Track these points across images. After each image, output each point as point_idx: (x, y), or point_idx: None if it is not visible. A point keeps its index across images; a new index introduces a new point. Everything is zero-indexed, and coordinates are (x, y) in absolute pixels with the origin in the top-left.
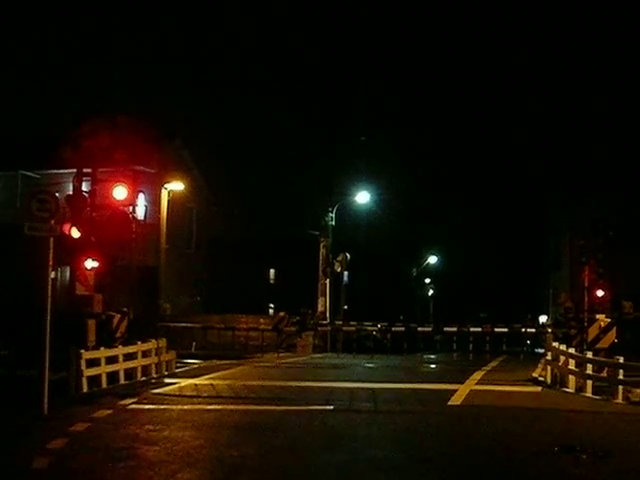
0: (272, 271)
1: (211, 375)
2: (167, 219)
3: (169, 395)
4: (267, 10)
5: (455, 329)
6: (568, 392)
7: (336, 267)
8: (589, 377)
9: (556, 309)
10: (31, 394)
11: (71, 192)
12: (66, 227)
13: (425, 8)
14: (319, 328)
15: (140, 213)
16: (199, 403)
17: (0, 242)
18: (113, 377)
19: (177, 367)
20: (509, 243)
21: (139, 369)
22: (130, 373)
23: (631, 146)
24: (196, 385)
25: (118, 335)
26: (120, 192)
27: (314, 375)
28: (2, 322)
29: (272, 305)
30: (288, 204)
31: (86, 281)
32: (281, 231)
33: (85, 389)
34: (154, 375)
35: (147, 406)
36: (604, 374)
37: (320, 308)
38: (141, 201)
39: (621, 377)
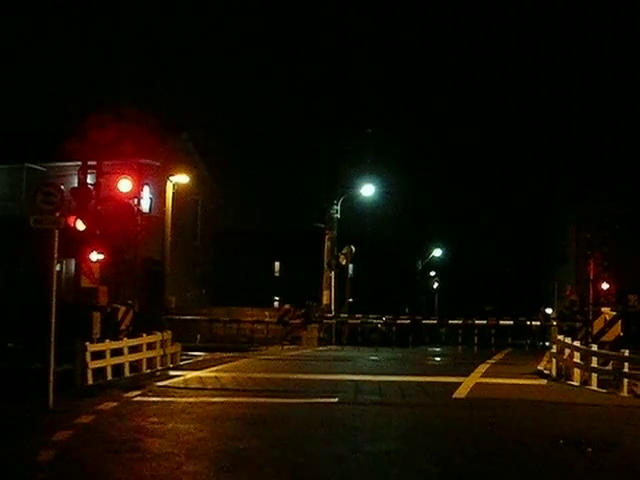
0: (277, 264)
1: (216, 367)
2: (172, 212)
3: (174, 387)
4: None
5: (460, 322)
6: (573, 385)
7: (341, 260)
8: (594, 370)
9: (561, 302)
10: (37, 386)
11: (76, 185)
12: (71, 220)
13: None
14: (324, 321)
15: (145, 206)
16: (204, 395)
17: (6, 234)
18: (118, 369)
19: (182, 359)
20: (515, 236)
21: (144, 361)
22: (135, 366)
23: (637, 140)
24: (201, 377)
25: (123, 327)
26: (125, 185)
27: (319, 368)
28: (8, 315)
29: (277, 298)
30: (293, 196)
31: (91, 274)
32: (286, 223)
33: (90, 381)
34: (159, 367)
35: (152, 398)
36: (609, 367)
37: (325, 301)
38: (146, 194)
39: (626, 370)
